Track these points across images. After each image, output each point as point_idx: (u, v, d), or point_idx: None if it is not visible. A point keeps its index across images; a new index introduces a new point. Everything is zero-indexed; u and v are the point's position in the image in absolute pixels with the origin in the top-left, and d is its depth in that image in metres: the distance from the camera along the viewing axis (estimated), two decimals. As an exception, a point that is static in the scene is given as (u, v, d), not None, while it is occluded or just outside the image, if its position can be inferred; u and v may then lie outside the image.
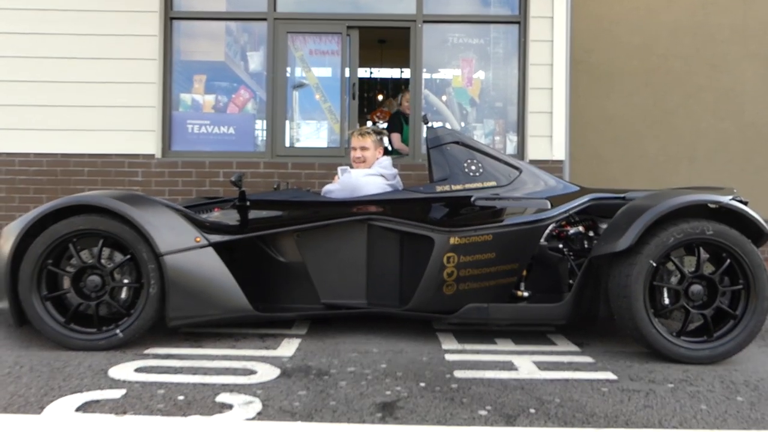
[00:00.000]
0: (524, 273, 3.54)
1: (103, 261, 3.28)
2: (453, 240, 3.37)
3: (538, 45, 5.69)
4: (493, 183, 3.61)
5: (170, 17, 5.79)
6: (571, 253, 3.60)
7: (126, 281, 3.30)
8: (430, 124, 3.99)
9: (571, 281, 3.52)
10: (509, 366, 3.03)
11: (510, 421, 2.33)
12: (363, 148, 4.07)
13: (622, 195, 3.64)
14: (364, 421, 2.31)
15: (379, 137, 4.17)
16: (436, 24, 5.88)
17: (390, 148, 6.06)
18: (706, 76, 6.93)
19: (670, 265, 3.21)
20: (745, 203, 3.27)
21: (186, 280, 3.23)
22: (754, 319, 3.11)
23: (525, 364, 3.05)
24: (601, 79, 6.85)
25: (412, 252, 3.48)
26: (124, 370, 2.86)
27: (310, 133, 5.98)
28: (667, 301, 3.18)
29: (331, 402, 2.50)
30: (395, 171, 4.02)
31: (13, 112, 5.58)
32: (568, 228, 3.68)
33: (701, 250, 3.17)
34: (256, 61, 5.95)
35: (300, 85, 5.91)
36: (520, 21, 5.80)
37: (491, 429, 2.27)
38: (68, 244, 3.25)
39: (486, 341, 3.50)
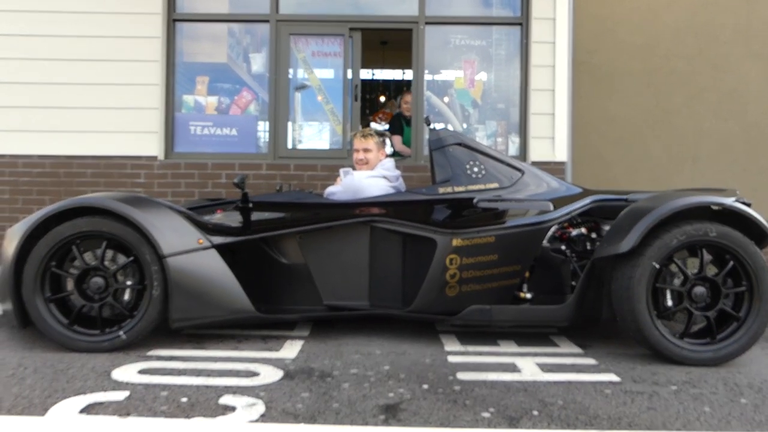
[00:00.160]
0: (527, 275, 3.54)
1: (106, 263, 3.29)
2: (455, 242, 3.38)
3: (540, 46, 5.69)
4: (495, 185, 3.61)
5: (173, 19, 5.80)
6: (573, 255, 3.60)
7: (129, 283, 3.31)
8: (432, 126, 3.99)
9: (573, 283, 3.52)
10: (512, 368, 3.03)
11: (513, 423, 2.33)
12: (366, 150, 4.07)
13: (624, 197, 3.64)
14: (367, 423, 2.31)
15: (381, 139, 4.17)
16: (439, 25, 5.88)
17: (392, 150, 6.06)
18: (709, 76, 6.93)
19: (673, 267, 3.21)
20: (749, 205, 3.26)
21: (189, 282, 3.24)
22: (757, 321, 3.10)
23: (528, 366, 3.05)
24: (603, 80, 6.84)
25: (414, 254, 3.48)
26: (128, 372, 2.87)
27: (313, 134, 5.99)
28: (670, 303, 3.18)
29: (334, 404, 2.50)
30: (398, 173, 4.03)
31: (16, 114, 5.59)
32: (571, 230, 3.67)
33: (704, 251, 3.17)
34: (258, 62, 5.96)
35: (302, 87, 5.91)
36: (522, 22, 5.80)
37: (494, 431, 2.27)
38: (71, 246, 3.26)
39: (489, 343, 3.50)
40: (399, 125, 6.18)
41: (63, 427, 2.26)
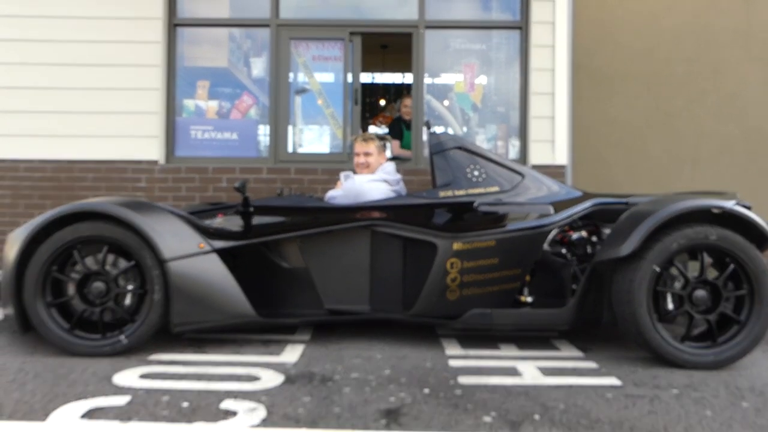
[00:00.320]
0: (528, 278, 3.54)
1: (107, 267, 3.29)
2: (456, 245, 3.38)
3: (540, 50, 5.70)
4: (495, 188, 3.61)
5: (174, 24, 5.81)
6: (574, 259, 3.60)
7: (130, 287, 3.30)
8: (432, 130, 3.99)
9: (574, 287, 3.51)
10: (513, 372, 3.03)
11: (514, 428, 2.33)
12: (366, 154, 4.07)
13: (625, 200, 3.64)
14: (368, 428, 2.31)
15: (382, 143, 4.17)
16: (438, 29, 5.89)
17: (390, 154, 6.06)
18: (709, 79, 6.92)
19: (673, 271, 3.20)
20: (749, 208, 3.26)
21: (190, 286, 3.24)
22: (758, 324, 3.09)
23: (529, 370, 3.05)
24: (603, 84, 6.84)
25: (415, 257, 3.48)
26: (129, 377, 2.86)
27: (313, 138, 6.00)
28: (670, 306, 3.17)
29: (336, 408, 2.50)
30: (399, 176, 4.03)
31: (17, 118, 5.60)
32: (572, 233, 3.67)
33: (705, 255, 3.16)
34: (259, 67, 5.97)
35: (303, 91, 5.92)
36: (521, 26, 5.81)
37: (496, 435, 2.26)
38: (73, 250, 3.26)
39: (490, 347, 3.50)
40: (399, 129, 6.19)
41: (64, 432, 2.26)
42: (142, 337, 3.22)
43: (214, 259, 3.32)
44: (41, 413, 2.41)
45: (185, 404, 2.52)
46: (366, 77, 10.08)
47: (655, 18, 6.97)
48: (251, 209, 3.56)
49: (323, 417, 2.41)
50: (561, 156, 5.65)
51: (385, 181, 3.89)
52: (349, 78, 5.81)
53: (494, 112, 5.97)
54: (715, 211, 3.17)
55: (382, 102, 10.75)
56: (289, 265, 3.58)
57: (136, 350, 3.24)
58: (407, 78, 9.18)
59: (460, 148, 3.72)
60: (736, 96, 6.89)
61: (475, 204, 3.53)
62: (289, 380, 2.85)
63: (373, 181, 3.86)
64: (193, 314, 3.27)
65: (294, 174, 5.64)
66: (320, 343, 3.51)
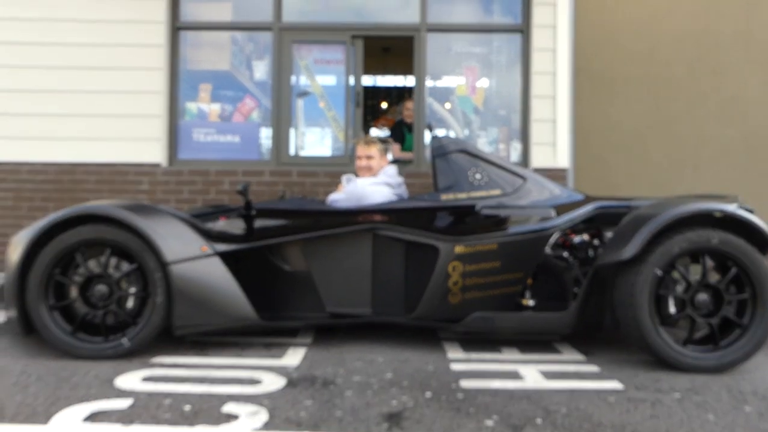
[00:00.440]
0: (529, 282, 3.53)
1: (110, 270, 3.29)
2: (458, 249, 3.37)
3: (541, 53, 5.69)
4: (497, 191, 3.60)
5: (177, 27, 5.81)
6: (576, 262, 3.59)
7: (133, 290, 3.30)
8: (434, 133, 3.99)
9: (576, 290, 3.50)
10: (515, 375, 3.01)
11: (517, 431, 2.32)
12: (368, 157, 4.06)
13: (626, 203, 3.63)
14: (370, 432, 2.30)
15: (383, 146, 4.17)
16: (440, 33, 5.88)
17: (391, 157, 6.06)
18: (709, 82, 6.93)
19: (675, 274, 3.19)
20: (751, 211, 3.25)
21: (192, 289, 3.23)
22: (761, 328, 3.08)
23: (531, 374, 3.04)
24: (604, 87, 6.85)
25: (417, 261, 3.47)
26: (131, 380, 2.86)
27: (315, 141, 5.99)
28: (672, 309, 3.16)
29: (338, 412, 2.49)
30: (401, 179, 4.02)
31: (20, 121, 5.60)
32: (573, 236, 3.66)
33: (707, 258, 3.15)
34: (261, 70, 5.97)
35: (304, 94, 5.92)
36: (523, 30, 5.81)
37: (498, 439, 2.25)
38: (75, 253, 3.25)
39: (491, 350, 3.49)
40: (400, 132, 6.18)
41: (66, 435, 2.25)
42: (144, 340, 3.21)
43: (217, 262, 3.32)
44: (43, 416, 2.40)
45: (187, 407, 2.51)
46: (368, 80, 10.07)
47: (656, 21, 6.98)
48: (253, 212, 3.56)
49: (325, 420, 2.40)
50: (562, 159, 5.64)
51: (387, 184, 3.88)
52: (351, 81, 5.81)
53: (496, 115, 5.97)
54: (717, 214, 3.16)
55: (384, 105, 10.75)
56: (291, 268, 3.58)
57: (138, 353, 3.24)
58: (409, 81, 9.18)
59: (461, 151, 3.71)
60: (736, 99, 6.89)
61: (477, 207, 3.52)
62: (291, 383, 2.84)
63: (375, 184, 3.85)
64: (196, 317, 3.26)
65: (296, 177, 5.64)
66: (322, 346, 3.50)
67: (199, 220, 3.54)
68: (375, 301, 3.52)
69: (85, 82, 5.61)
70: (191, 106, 5.90)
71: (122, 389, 2.73)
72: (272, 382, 2.85)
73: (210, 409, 2.50)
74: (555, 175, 5.35)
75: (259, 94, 5.94)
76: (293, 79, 5.86)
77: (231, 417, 2.42)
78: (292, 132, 5.85)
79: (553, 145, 5.64)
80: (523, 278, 3.44)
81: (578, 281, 3.51)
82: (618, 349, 3.51)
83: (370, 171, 4.03)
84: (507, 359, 3.32)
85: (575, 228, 3.68)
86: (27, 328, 3.24)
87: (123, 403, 2.55)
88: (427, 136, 5.63)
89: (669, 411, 2.55)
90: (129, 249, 3.23)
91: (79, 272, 3.30)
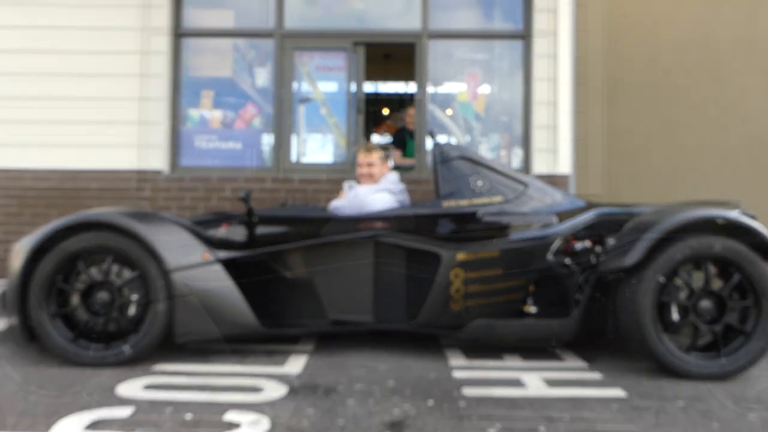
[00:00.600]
0: (531, 288, 3.51)
1: (112, 277, 3.28)
2: (460, 256, 3.36)
3: (543, 60, 5.69)
4: (499, 198, 3.60)
5: (179, 34, 5.83)
6: (578, 269, 3.57)
7: (134, 298, 3.29)
8: (436, 140, 3.98)
9: (578, 297, 3.48)
10: (517, 383, 3.00)
11: (519, 440, 2.30)
12: (369, 164, 4.05)
13: (628, 210, 3.62)
14: (372, 440, 2.28)
15: (385, 153, 4.16)
16: (442, 39, 5.89)
17: (392, 164, 6.05)
18: (711, 89, 6.92)
19: (678, 281, 3.18)
20: (753, 217, 3.24)
21: (194, 296, 3.22)
22: (764, 334, 3.06)
23: (533, 381, 3.02)
24: (605, 93, 6.84)
25: (419, 268, 3.46)
26: (132, 388, 2.85)
27: (317, 148, 5.99)
28: (675, 316, 3.14)
29: (339, 420, 2.47)
30: (402, 186, 4.01)
31: (24, 128, 5.61)
32: (575, 243, 3.65)
33: (709, 265, 3.14)
34: (263, 76, 5.98)
35: (306, 101, 5.92)
36: (524, 36, 5.81)
37: (501, 448, 2.24)
38: (77, 260, 3.25)
39: (494, 357, 3.47)
40: (402, 139, 6.18)
41: (67, 444, 2.24)
42: (146, 348, 3.20)
43: (219, 269, 3.31)
44: (44, 425, 2.39)
45: (189, 416, 2.50)
46: (369, 87, 10.09)
47: (658, 28, 6.98)
48: (255, 219, 3.55)
49: (327, 429, 2.38)
50: (564, 165, 5.63)
51: (389, 191, 3.87)
52: (353, 88, 5.81)
53: (497, 121, 5.96)
54: (720, 221, 3.15)
55: (386, 111, 10.75)
56: (293, 276, 3.56)
57: (140, 361, 3.22)
58: (410, 87, 9.18)
59: (463, 158, 3.71)
60: (738, 105, 6.88)
61: (479, 214, 3.51)
62: (293, 391, 2.83)
63: (376, 191, 3.85)
64: (197, 324, 3.25)
65: (298, 184, 5.64)
66: (324, 354, 3.49)
67: (201, 227, 3.53)
68: (377, 309, 3.51)
69: (87, 89, 5.62)
70: (193, 113, 5.90)
71: (123, 397, 2.72)
72: (274, 390, 2.83)
73: (211, 417, 2.49)
74: (556, 181, 5.35)
75: (260, 100, 5.94)
76: (295, 85, 5.86)
77: (232, 425, 2.41)
78: (293, 139, 5.85)
79: (555, 152, 5.63)
80: (525, 285, 3.43)
81: (580, 288, 3.49)
82: (621, 357, 3.49)
83: (372, 178, 4.02)
84: (509, 366, 3.30)
85: (577, 234, 3.66)
86: (28, 336, 3.23)
87: (124, 412, 2.54)
88: (429, 143, 5.63)
89: (673, 419, 2.53)
90: (131, 256, 3.23)
91: (81, 279, 3.30)
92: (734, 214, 3.14)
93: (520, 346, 3.70)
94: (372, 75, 8.22)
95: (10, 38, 5.65)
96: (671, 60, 6.95)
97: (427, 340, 3.76)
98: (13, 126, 5.61)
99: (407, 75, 6.62)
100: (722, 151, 6.86)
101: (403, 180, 4.13)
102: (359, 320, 3.50)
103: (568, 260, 3.60)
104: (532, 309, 3.49)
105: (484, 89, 5.96)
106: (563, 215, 3.57)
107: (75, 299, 3.30)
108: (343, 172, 5.65)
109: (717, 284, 3.18)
